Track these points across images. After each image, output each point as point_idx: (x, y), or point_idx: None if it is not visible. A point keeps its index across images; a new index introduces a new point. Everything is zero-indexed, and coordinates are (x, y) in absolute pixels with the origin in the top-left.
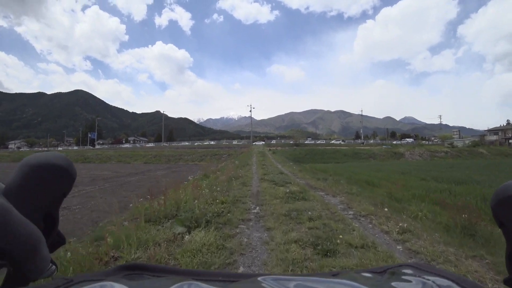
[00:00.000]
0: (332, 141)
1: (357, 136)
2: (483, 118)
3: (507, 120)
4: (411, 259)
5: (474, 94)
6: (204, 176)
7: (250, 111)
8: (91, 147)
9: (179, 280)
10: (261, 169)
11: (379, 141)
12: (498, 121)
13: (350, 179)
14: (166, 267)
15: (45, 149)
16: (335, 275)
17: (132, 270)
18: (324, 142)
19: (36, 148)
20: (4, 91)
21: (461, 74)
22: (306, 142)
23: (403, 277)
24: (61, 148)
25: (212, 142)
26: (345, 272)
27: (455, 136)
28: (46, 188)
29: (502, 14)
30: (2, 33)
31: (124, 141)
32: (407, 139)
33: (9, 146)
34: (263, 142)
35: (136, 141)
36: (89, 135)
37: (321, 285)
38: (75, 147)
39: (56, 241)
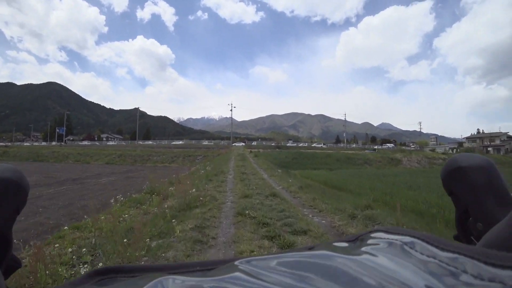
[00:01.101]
0: (314, 144)
1: (338, 140)
2: (453, 127)
3: (477, 129)
4: None
5: (447, 104)
6: (146, 194)
7: (231, 110)
8: (59, 143)
9: (154, 277)
10: (239, 183)
11: (361, 145)
12: (468, 130)
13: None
14: (140, 266)
15: (9, 144)
16: (311, 248)
17: (104, 275)
18: (306, 145)
19: None
20: None
21: (436, 84)
22: (288, 145)
23: (372, 241)
24: (27, 144)
25: (193, 142)
26: (320, 245)
27: (432, 143)
28: None
29: (474, 30)
30: None
31: (96, 138)
32: (387, 144)
33: None
34: (243, 144)
35: (109, 139)
36: (57, 130)
37: (298, 258)
38: (43, 143)
39: (11, 265)
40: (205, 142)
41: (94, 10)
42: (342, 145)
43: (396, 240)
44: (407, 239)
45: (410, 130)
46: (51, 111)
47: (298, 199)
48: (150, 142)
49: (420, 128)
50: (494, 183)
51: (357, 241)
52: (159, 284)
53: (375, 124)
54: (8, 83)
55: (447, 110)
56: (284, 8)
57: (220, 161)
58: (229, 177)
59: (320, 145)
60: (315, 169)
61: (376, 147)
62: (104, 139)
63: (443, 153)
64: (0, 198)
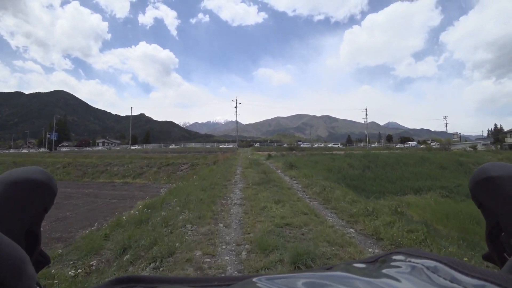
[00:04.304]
0: (330, 145)
1: (349, 140)
2: (463, 123)
3: (494, 124)
4: None
5: (455, 100)
6: None
7: (236, 106)
8: (47, 150)
9: None
10: None
11: (382, 144)
12: (476, 126)
13: None
14: (160, 276)
15: (6, 151)
16: (329, 269)
17: (125, 283)
18: (322, 145)
19: None
20: None
21: (443, 80)
22: (302, 146)
23: (393, 263)
24: (13, 150)
25: (193, 145)
26: (338, 265)
27: (455, 139)
28: (26, 205)
29: (482, 23)
30: None
31: (91, 143)
32: (409, 142)
33: None
34: (252, 146)
35: (105, 144)
36: (48, 135)
37: (316, 279)
38: (41, 149)
39: (40, 260)
40: (208, 146)
41: (97, 17)
42: (362, 144)
43: (418, 263)
44: (430, 263)
45: (418, 128)
46: (60, 119)
47: None
48: (136, 147)
49: (446, 124)
50: None
51: (377, 262)
52: None
53: (382, 124)
54: (16, 92)
55: (455, 107)
56: (286, 8)
57: (218, 174)
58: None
59: (337, 145)
60: (418, 191)
61: (398, 145)
62: (100, 144)
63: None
64: (30, 197)
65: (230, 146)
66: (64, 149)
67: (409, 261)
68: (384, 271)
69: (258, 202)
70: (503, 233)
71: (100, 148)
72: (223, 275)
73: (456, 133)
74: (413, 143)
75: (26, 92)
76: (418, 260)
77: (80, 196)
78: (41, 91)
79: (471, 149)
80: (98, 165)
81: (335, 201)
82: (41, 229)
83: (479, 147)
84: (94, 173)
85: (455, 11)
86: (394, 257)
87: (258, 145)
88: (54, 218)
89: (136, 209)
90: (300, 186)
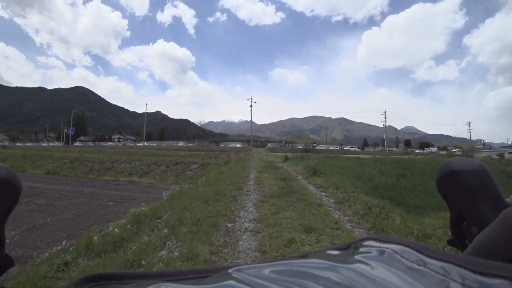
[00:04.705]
0: (347, 148)
1: (365, 144)
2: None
3: None
4: None
5: (476, 106)
6: None
7: (251, 105)
8: (65, 144)
9: (147, 285)
10: None
11: (401, 149)
12: (499, 134)
13: None
14: (133, 272)
15: (29, 144)
16: (304, 256)
17: (96, 281)
18: (338, 148)
19: (18, 144)
20: (4, 84)
21: (464, 85)
22: (317, 148)
23: (364, 249)
24: (30, 144)
25: (206, 143)
26: (313, 253)
27: (479, 146)
28: None
29: (509, 26)
30: (2, 24)
31: (107, 139)
32: (429, 148)
33: None
34: (266, 146)
35: (121, 140)
36: (65, 130)
37: (291, 267)
38: (57, 143)
39: (3, 263)
40: (222, 145)
41: (117, 15)
42: (380, 148)
43: (387, 248)
44: (397, 247)
45: (436, 133)
46: (78, 114)
47: None
48: (147, 144)
49: (470, 130)
50: (487, 186)
51: (350, 249)
52: None
53: (399, 128)
54: (39, 87)
55: (477, 113)
56: (304, 8)
57: (227, 179)
58: None
59: (354, 149)
60: None
61: (417, 150)
62: (116, 140)
63: None
64: None
65: (240, 145)
66: (80, 143)
67: (379, 247)
68: (356, 256)
69: (280, 228)
70: (464, 222)
71: (111, 143)
72: (200, 268)
73: (480, 140)
74: (433, 149)
75: (49, 88)
76: (387, 245)
77: (76, 195)
78: (62, 87)
79: (497, 157)
80: (105, 162)
81: (395, 233)
82: (4, 232)
83: (507, 155)
84: (100, 170)
85: (481, 13)
86: (365, 243)
87: (270, 146)
88: (30, 226)
89: (124, 220)
90: (331, 201)
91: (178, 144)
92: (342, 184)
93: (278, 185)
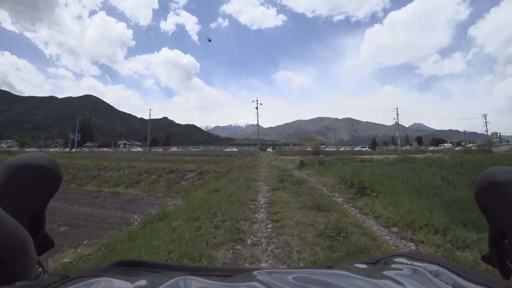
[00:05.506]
0: (357, 148)
1: (375, 143)
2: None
3: None
4: None
5: (486, 98)
6: None
7: (257, 107)
8: (70, 150)
9: (175, 276)
10: None
11: (415, 147)
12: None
13: None
14: (162, 263)
15: (33, 149)
16: (330, 267)
17: (128, 266)
18: (348, 149)
19: (26, 149)
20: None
21: (472, 77)
22: (327, 149)
23: (395, 265)
24: (51, 150)
25: (211, 148)
26: (340, 264)
27: (495, 140)
28: (32, 189)
29: None
30: (13, 38)
31: (112, 144)
32: (444, 144)
33: (0, 145)
34: (272, 149)
35: (127, 145)
36: (71, 136)
37: (317, 277)
38: (66, 149)
39: (43, 243)
40: (227, 149)
41: (122, 25)
42: (392, 147)
43: (420, 267)
44: (432, 267)
45: (445, 129)
46: (84, 121)
47: None
48: (142, 148)
49: (486, 123)
50: None
51: (378, 264)
52: (182, 282)
53: (406, 125)
54: (51, 96)
55: (487, 105)
56: (305, 9)
57: (222, 206)
58: None
59: (365, 149)
60: None
61: (431, 148)
62: (122, 145)
63: None
64: (36, 183)
65: (236, 149)
66: (87, 149)
67: (411, 264)
68: (385, 272)
69: None
70: (506, 240)
71: (110, 149)
72: (225, 267)
73: (496, 133)
74: (448, 145)
75: (59, 97)
76: (420, 264)
77: None
78: (72, 96)
79: None
80: (92, 169)
81: None
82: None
83: None
84: (84, 178)
85: (485, 2)
86: (396, 259)
87: (271, 149)
88: None
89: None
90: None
91: (171, 150)
92: (422, 215)
93: (313, 225)
